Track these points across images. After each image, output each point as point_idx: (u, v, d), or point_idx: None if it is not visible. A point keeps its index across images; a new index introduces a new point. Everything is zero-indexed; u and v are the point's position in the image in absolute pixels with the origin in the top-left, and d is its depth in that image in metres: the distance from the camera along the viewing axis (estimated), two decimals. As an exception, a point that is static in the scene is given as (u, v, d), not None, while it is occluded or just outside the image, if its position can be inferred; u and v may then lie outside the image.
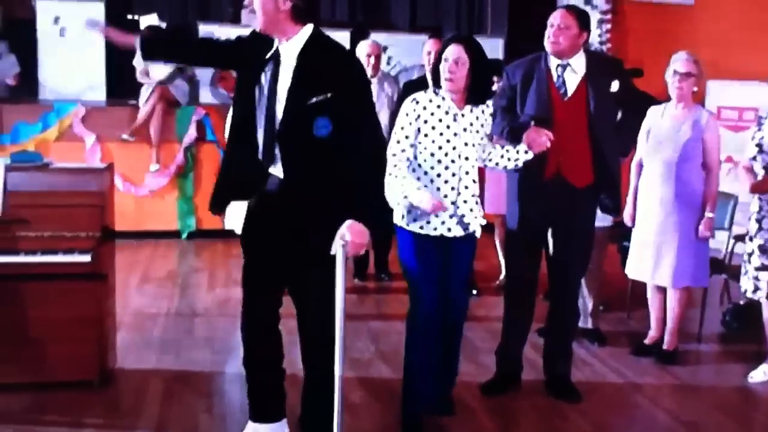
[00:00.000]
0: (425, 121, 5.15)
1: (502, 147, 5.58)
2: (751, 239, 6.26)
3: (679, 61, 6.51)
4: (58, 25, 10.85)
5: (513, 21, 13.04)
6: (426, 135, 5.15)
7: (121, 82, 11.15)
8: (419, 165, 5.19)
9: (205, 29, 11.19)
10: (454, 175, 5.19)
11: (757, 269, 6.20)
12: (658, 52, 7.05)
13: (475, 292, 8.43)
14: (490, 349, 6.32)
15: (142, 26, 10.59)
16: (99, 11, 10.94)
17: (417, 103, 5.20)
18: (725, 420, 5.76)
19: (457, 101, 5.22)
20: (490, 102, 5.42)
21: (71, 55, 10.79)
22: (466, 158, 5.21)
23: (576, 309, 6.24)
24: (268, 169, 4.55)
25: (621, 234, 7.12)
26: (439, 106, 5.20)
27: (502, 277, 8.47)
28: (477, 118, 5.29)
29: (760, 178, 6.16)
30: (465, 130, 5.22)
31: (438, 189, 5.16)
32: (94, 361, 5.71)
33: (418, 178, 5.17)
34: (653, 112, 6.59)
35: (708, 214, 6.54)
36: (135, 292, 8.27)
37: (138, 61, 10.78)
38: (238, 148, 4.65)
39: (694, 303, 7.36)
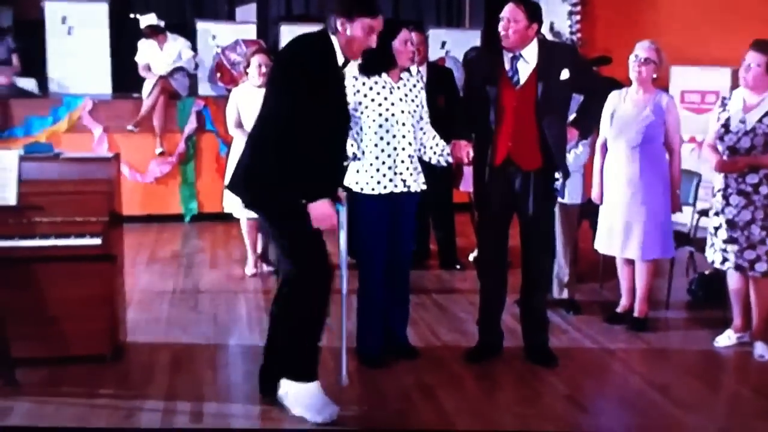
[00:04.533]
0: (365, 95, 5.57)
1: (434, 139, 5.87)
2: (717, 214, 6.25)
3: (641, 48, 6.52)
4: (65, 25, 10.83)
5: (490, 13, 13.01)
6: (366, 107, 5.56)
7: (125, 77, 11.13)
8: (365, 133, 5.60)
9: (202, 26, 11.21)
10: (394, 136, 5.63)
11: (725, 242, 6.20)
12: (625, 40, 7.07)
13: (458, 267, 8.48)
14: (472, 319, 6.37)
15: (142, 25, 10.62)
16: (103, 11, 10.95)
17: (356, 79, 5.62)
18: (693, 382, 5.79)
19: (393, 76, 5.67)
20: (416, 74, 5.94)
21: (78, 52, 10.79)
22: (403, 124, 5.65)
23: (546, 280, 6.29)
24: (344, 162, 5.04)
25: (591, 210, 7.14)
26: (376, 82, 5.64)
27: (476, 250, 8.50)
28: (410, 89, 5.74)
29: (724, 157, 6.19)
30: (401, 99, 5.66)
31: (382, 150, 5.61)
32: (106, 337, 5.74)
33: (366, 145, 5.64)
34: (614, 95, 6.61)
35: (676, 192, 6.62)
36: (142, 272, 8.28)
37: (140, 57, 10.79)
38: (328, 147, 4.83)
39: (662, 273, 7.38)
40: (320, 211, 4.70)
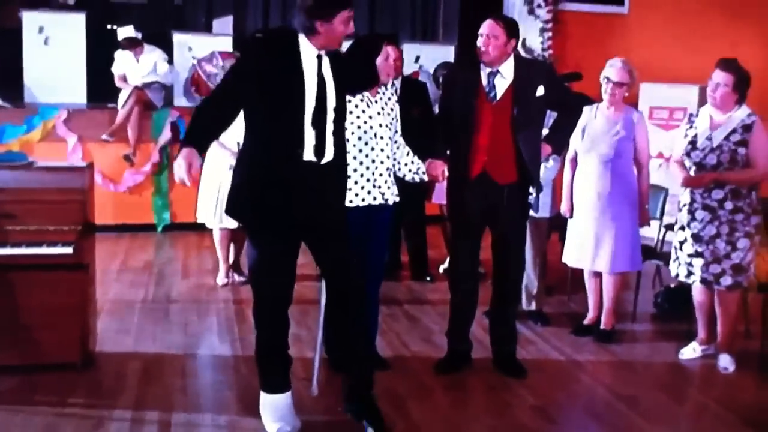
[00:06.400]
0: None
1: (408, 155, 5.78)
2: (683, 228, 6.27)
3: (613, 69, 6.51)
4: (42, 35, 10.77)
5: (463, 28, 13.03)
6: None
7: (100, 87, 11.08)
8: None
9: (179, 38, 11.17)
10: (373, 149, 5.53)
11: (691, 256, 6.21)
12: (595, 57, 7.11)
13: (429, 278, 8.47)
14: (442, 330, 6.34)
15: (120, 37, 10.57)
16: (80, 22, 10.91)
17: None
18: (659, 393, 5.80)
19: (371, 90, 5.59)
20: (390, 87, 5.80)
21: (54, 62, 10.73)
22: (381, 137, 5.57)
23: (517, 292, 6.29)
24: (300, 155, 4.63)
25: (560, 224, 7.15)
26: (354, 95, 5.53)
27: (447, 262, 8.49)
28: (386, 102, 5.66)
29: (691, 172, 6.20)
30: (378, 113, 5.58)
31: (361, 163, 5.50)
32: (77, 345, 5.68)
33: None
34: (585, 111, 6.60)
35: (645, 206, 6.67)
36: (114, 281, 8.21)
37: (116, 68, 10.74)
38: (276, 139, 4.65)
39: (629, 286, 7.42)
40: (180, 155, 4.54)
